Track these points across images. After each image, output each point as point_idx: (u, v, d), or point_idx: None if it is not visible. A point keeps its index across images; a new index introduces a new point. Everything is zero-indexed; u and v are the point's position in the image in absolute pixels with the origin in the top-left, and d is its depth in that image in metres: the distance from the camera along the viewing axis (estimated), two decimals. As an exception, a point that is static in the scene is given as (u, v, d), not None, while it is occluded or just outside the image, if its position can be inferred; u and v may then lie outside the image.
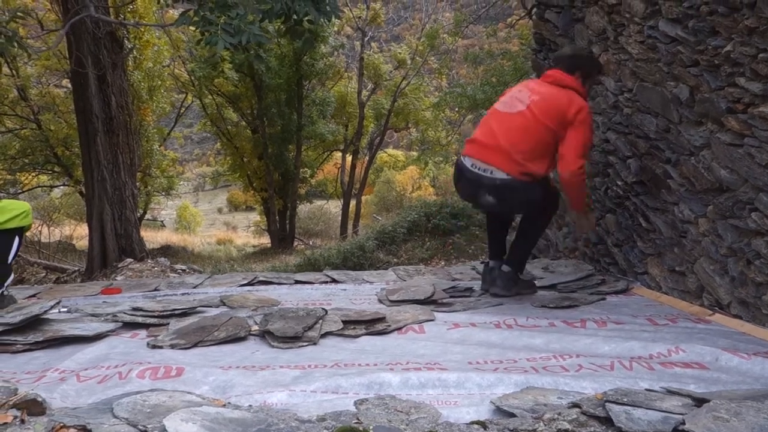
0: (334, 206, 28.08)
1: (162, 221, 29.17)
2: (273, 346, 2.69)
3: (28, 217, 3.87)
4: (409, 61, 22.02)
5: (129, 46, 13.13)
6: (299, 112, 20.39)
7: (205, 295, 3.98)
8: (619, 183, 4.08)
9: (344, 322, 3.00)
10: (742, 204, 2.92)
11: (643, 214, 3.81)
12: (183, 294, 4.08)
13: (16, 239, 3.88)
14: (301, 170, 22.18)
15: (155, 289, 4.27)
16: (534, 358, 2.46)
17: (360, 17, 22.48)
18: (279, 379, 2.18)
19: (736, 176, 2.95)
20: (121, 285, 4.44)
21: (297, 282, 4.42)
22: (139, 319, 3.09)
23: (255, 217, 33.81)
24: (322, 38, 19.43)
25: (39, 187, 22.41)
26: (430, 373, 2.19)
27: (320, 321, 2.95)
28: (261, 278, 4.47)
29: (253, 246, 26.87)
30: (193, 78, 19.68)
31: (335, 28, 21.72)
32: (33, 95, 18.34)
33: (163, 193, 23.17)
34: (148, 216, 32.95)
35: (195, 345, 2.68)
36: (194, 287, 4.31)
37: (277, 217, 21.97)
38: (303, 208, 26.75)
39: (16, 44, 4.40)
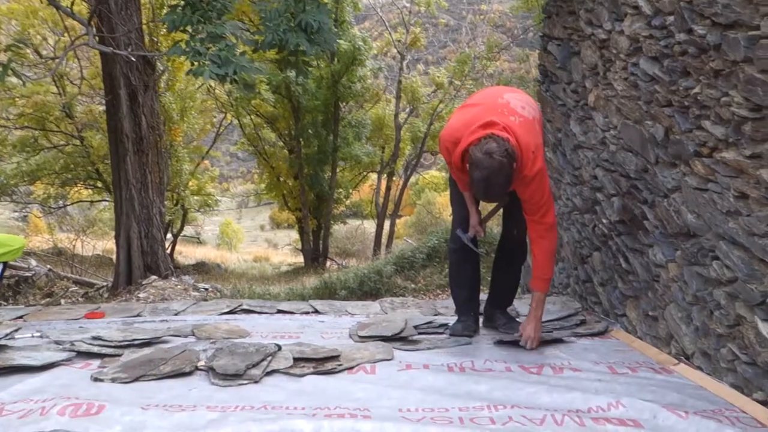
0: (371, 227, 28.13)
1: (198, 237, 29.52)
2: (213, 383, 2.67)
3: (18, 253, 4.02)
4: (447, 84, 22.02)
5: (161, 68, 13.43)
6: (335, 133, 20.54)
7: (183, 323, 3.99)
8: (605, 221, 3.98)
9: (296, 359, 2.96)
10: (705, 251, 2.81)
11: (624, 254, 3.70)
12: (161, 321, 4.10)
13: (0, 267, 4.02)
14: (336, 191, 22.30)
15: (138, 315, 4.31)
16: (467, 408, 2.38)
17: (399, 41, 22.61)
18: (193, 423, 2.16)
19: (702, 222, 2.85)
20: (107, 309, 4.48)
21: (279, 311, 4.41)
22: (95, 349, 3.10)
23: (295, 235, 34.12)
24: (360, 61, 19.61)
25: (81, 201, 22.98)
26: (346, 422, 2.14)
27: (269, 358, 2.92)
28: (245, 306, 4.47)
29: (289, 264, 27.04)
30: (230, 99, 20.01)
31: (374, 51, 21.91)
32: (78, 113, 18.87)
33: (201, 210, 23.53)
34: (190, 231, 33.57)
35: (136, 379, 2.68)
36: (176, 314, 4.34)
37: (310, 237, 22.08)
38: (340, 229, 26.85)
39: (11, 71, 4.53)
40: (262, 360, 2.87)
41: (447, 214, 31.14)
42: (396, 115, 22.27)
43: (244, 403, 2.40)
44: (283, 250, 34.29)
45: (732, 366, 2.61)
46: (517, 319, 3.94)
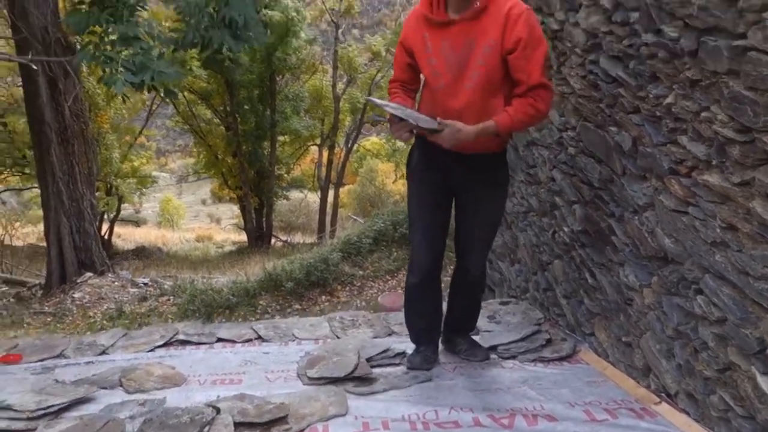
0: (315, 198, 27.64)
1: (136, 222, 28.63)
2: (140, 471, 2.30)
3: None
4: (383, 53, 21.51)
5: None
6: (272, 108, 19.95)
7: (111, 365, 3.58)
8: (566, 229, 3.70)
9: (237, 424, 2.61)
10: (687, 282, 2.54)
11: (589, 269, 3.43)
12: (87, 363, 3.68)
13: None
14: (277, 167, 21.74)
15: (61, 354, 3.88)
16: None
17: (333, 9, 21.96)
18: None
19: (681, 248, 2.57)
20: (25, 347, 4.02)
21: (219, 340, 4.03)
22: (3, 425, 2.69)
23: (238, 209, 33.42)
24: (294, 32, 18.96)
25: (9, 190, 21.91)
26: None
27: (207, 428, 2.56)
28: (181, 336, 4.07)
29: (233, 243, 26.44)
30: (161, 76, 19.12)
31: (308, 21, 21.22)
32: (-1, 96, 17.83)
33: (137, 193, 22.70)
34: (129, 212, 32.51)
35: (49, 473, 2.29)
36: (104, 351, 3.90)
37: (253, 216, 21.55)
38: (283, 203, 26.34)
39: None
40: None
41: (390, 182, 30.87)
42: (333, 86, 21.76)
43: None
44: (226, 228, 33.59)
45: (725, 416, 2.36)
46: (477, 338, 3.67)
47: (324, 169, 23.58)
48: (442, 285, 3.42)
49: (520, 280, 4.59)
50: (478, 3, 2.80)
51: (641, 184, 2.87)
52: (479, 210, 3.17)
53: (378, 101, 3.03)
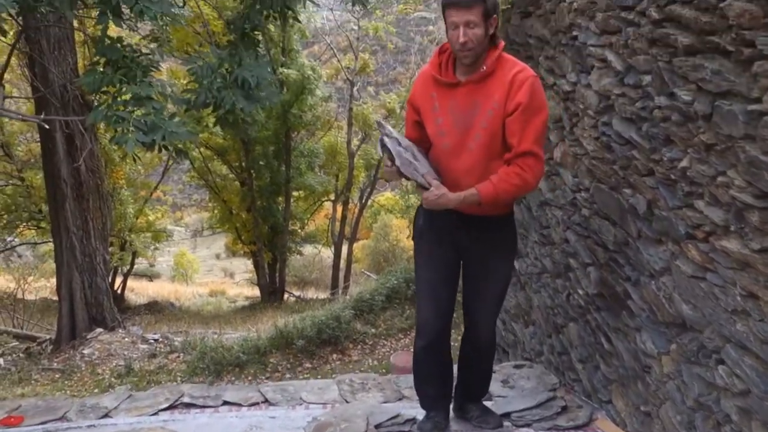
0: (328, 254, 27.57)
1: (150, 277, 28.64)
2: None
3: None
4: (398, 110, 21.71)
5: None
6: (287, 163, 20.05)
7: (113, 429, 3.51)
8: (580, 292, 3.62)
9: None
10: (708, 351, 2.45)
11: (605, 333, 3.34)
12: (89, 426, 3.60)
13: None
14: (291, 222, 21.76)
15: (63, 417, 3.79)
16: None
17: (349, 67, 22.28)
18: None
19: (700, 315, 2.48)
20: (27, 409, 3.95)
21: (225, 403, 3.93)
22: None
23: (251, 264, 33.36)
24: (310, 90, 19.20)
25: (24, 243, 22.05)
26: None
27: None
28: (186, 399, 3.97)
29: (246, 298, 26.32)
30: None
31: (324, 79, 21.53)
32: (18, 152, 18.10)
33: (151, 247, 22.76)
34: (144, 265, 32.55)
35: None
36: (106, 414, 3.82)
37: (266, 271, 21.48)
38: (297, 258, 26.30)
39: None
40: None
41: (404, 237, 30.84)
42: (348, 143, 21.88)
43: None
44: (240, 283, 33.52)
45: (752, 496, 2.24)
46: (490, 404, 3.55)
47: (338, 225, 23.55)
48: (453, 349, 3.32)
49: (535, 342, 4.48)
50: (485, 67, 2.80)
51: (657, 248, 2.80)
52: (485, 273, 3.10)
53: (387, 129, 2.98)
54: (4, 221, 18.84)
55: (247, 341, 9.43)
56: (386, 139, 2.84)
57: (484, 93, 2.81)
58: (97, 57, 4.19)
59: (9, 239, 20.93)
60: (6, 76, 17.18)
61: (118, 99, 3.90)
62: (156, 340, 11.21)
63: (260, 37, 4.96)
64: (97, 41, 4.06)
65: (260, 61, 4.27)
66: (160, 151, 3.87)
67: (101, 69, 4.03)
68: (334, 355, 9.14)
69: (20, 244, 21.53)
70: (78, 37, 11.70)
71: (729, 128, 2.24)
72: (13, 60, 15.05)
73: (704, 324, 2.46)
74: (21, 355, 11.32)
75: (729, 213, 2.28)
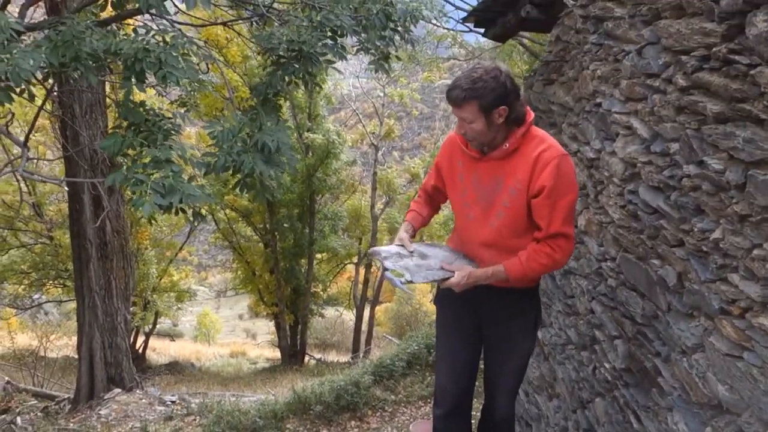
0: (350, 317, 27.38)
1: (172, 337, 28.58)
2: None
3: None
4: (422, 175, 21.80)
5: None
6: (311, 226, 20.15)
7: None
8: (607, 366, 3.45)
9: None
10: (746, 437, 2.28)
11: (634, 412, 3.16)
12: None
13: None
14: (313, 284, 21.70)
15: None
16: None
17: (374, 133, 22.53)
18: None
19: (738, 397, 2.32)
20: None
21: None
22: None
23: (273, 326, 33.19)
24: (334, 155, 19.40)
25: (49, 302, 22.21)
26: None
27: None
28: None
29: (266, 359, 26.08)
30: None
31: (348, 144, 21.75)
32: (49, 212, 18.43)
33: (174, 307, 22.77)
34: (167, 323, 32.56)
35: None
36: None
37: (288, 333, 21.34)
38: (318, 320, 26.13)
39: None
40: None
41: (426, 300, 30.58)
42: (372, 207, 21.97)
43: None
44: (261, 344, 33.31)
45: None
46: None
47: (360, 287, 23.44)
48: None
49: (559, 417, 4.29)
50: (507, 144, 2.74)
51: (689, 323, 2.66)
52: (506, 344, 2.99)
53: (382, 255, 2.91)
54: (32, 279, 19.05)
55: (264, 405, 9.22)
56: (387, 273, 2.80)
57: (507, 170, 2.76)
58: (119, 120, 4.22)
59: (36, 296, 21.17)
60: (41, 138, 17.67)
61: (138, 162, 3.89)
62: (173, 402, 11.05)
63: (281, 102, 4.98)
64: (120, 105, 4.08)
65: (281, 126, 4.26)
66: (176, 213, 3.84)
67: (122, 132, 4.04)
68: (353, 422, 8.88)
69: (46, 302, 21.67)
70: (109, 101, 11.96)
71: (764, 199, 2.13)
72: (47, 123, 15.46)
73: (742, 407, 2.30)
74: (39, 414, 11.22)
75: (767, 288, 2.15)
